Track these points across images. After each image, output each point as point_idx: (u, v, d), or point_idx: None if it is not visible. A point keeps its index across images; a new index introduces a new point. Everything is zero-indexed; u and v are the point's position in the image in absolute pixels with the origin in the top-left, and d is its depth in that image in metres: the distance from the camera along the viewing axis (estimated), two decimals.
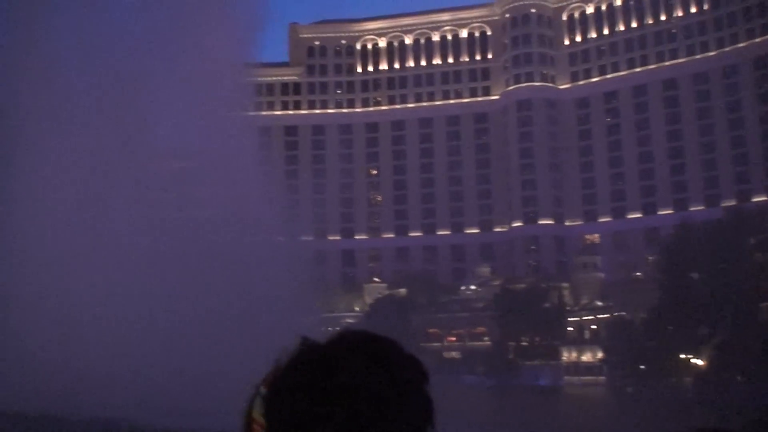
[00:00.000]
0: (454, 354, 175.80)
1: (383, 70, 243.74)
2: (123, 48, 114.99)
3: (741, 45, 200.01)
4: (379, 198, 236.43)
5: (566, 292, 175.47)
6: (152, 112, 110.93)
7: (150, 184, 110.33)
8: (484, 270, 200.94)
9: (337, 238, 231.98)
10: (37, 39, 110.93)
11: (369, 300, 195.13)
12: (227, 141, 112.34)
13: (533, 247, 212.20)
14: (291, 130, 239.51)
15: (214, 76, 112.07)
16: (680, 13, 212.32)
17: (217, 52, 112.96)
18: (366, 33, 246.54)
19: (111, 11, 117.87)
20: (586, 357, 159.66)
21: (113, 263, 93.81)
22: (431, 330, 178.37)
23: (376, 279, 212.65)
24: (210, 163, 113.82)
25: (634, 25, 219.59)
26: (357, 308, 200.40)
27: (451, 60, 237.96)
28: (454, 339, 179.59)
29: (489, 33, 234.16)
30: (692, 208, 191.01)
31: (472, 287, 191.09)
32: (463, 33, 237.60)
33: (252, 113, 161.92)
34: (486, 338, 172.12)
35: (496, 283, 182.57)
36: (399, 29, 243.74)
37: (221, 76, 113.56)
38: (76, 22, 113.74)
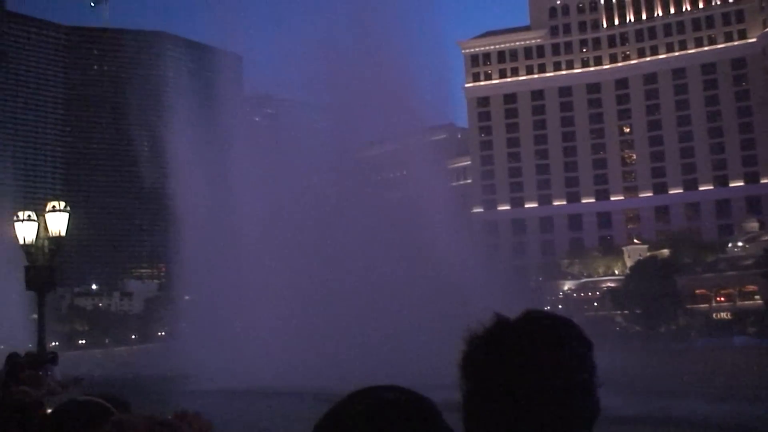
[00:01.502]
0: (724, 315, 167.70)
1: (630, 22, 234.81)
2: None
3: None
4: (634, 156, 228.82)
5: None
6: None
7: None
8: (753, 224, 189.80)
9: (591, 200, 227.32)
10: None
11: (630, 262, 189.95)
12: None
13: None
14: (537, 94, 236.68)
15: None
16: None
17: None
18: None
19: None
20: None
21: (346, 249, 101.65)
22: (698, 291, 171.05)
23: (636, 240, 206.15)
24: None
25: None
26: (617, 271, 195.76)
27: (701, 5, 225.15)
28: (723, 299, 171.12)
29: None
30: None
31: (740, 244, 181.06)
32: None
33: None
34: (757, 297, 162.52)
35: (766, 237, 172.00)
36: None
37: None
38: None
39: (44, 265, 25.30)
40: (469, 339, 2.60)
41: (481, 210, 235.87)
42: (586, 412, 2.50)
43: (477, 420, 2.51)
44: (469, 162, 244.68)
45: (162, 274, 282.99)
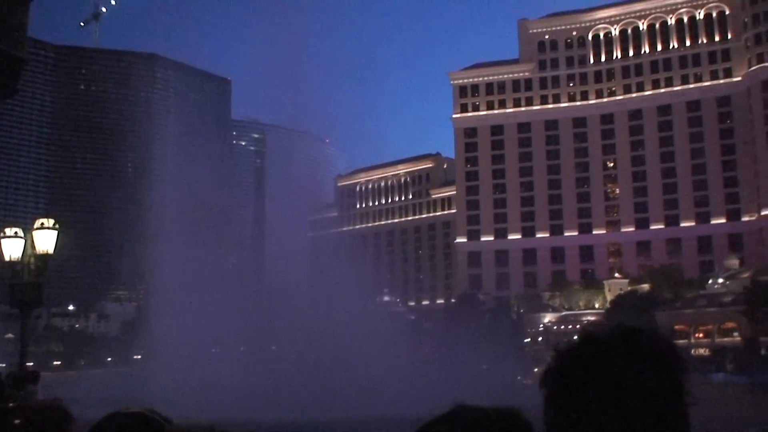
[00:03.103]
0: (703, 351, 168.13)
1: (617, 58, 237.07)
2: None
3: None
4: (617, 191, 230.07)
5: None
6: None
7: None
8: (733, 262, 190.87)
9: (574, 233, 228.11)
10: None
11: (610, 296, 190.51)
12: None
13: None
14: (523, 127, 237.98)
15: None
16: None
17: None
18: (598, 22, 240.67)
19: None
20: None
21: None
22: (677, 326, 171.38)
23: (617, 274, 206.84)
24: None
25: None
26: (597, 305, 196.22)
27: (688, 43, 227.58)
28: (702, 335, 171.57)
29: (727, 12, 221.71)
30: None
31: (720, 280, 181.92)
32: (700, 14, 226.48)
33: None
34: (736, 334, 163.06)
35: (746, 275, 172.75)
36: (632, 15, 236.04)
37: None
38: None
39: (30, 282, 25.21)
40: (559, 354, 2.62)
41: (465, 240, 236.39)
42: (677, 425, 2.51)
43: None
44: (454, 192, 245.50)
45: (141, 297, 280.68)
